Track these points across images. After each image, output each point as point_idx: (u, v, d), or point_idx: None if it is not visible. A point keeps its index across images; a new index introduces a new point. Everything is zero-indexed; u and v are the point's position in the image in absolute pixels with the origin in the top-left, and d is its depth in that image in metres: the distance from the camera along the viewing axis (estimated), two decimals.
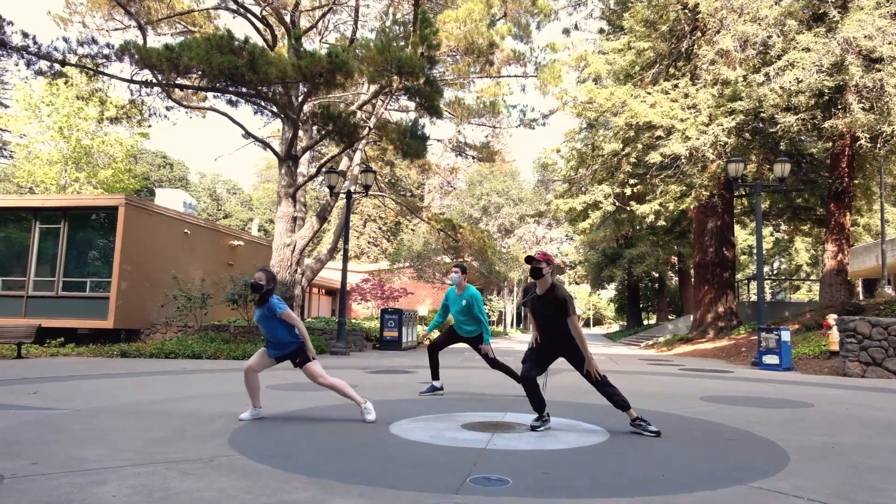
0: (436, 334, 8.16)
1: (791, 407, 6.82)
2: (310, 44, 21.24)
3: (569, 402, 6.79)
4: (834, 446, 4.58)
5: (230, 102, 15.00)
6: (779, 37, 14.99)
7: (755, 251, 43.40)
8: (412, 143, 14.94)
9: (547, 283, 4.88)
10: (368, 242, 51.72)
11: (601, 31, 27.55)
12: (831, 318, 12.98)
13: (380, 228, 52.70)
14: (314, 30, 21.10)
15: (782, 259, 47.87)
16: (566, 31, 26.26)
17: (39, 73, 12.49)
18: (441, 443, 4.48)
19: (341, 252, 23.99)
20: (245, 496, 3.04)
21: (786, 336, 12.53)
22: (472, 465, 3.75)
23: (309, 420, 5.48)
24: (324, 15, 19.91)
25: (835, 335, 12.36)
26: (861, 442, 4.79)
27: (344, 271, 16.21)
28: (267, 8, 17.30)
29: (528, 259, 4.89)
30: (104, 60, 12.43)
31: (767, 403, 7.09)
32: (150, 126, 21.19)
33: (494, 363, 7.35)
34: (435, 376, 7.55)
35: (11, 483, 3.19)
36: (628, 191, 20.77)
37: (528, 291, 5.12)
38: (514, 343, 29.33)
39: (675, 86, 18.38)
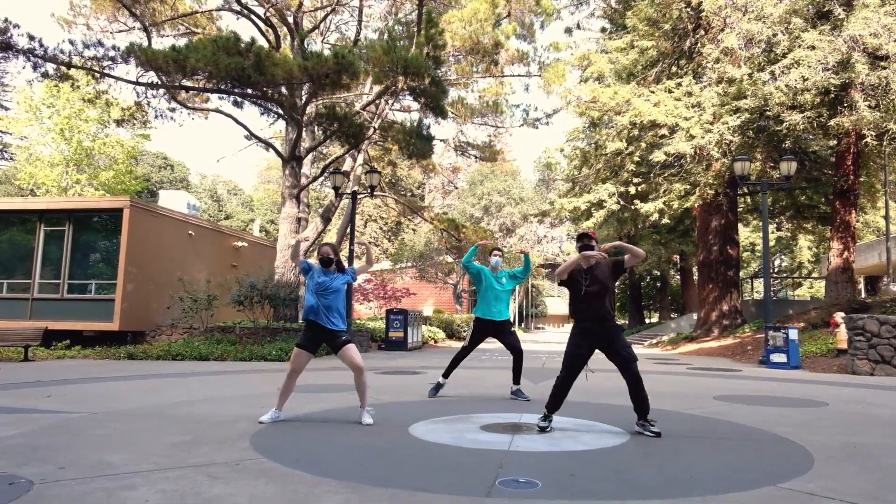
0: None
1: (806, 406, 6.82)
2: (312, 45, 21.24)
3: (586, 403, 6.78)
4: (856, 446, 4.57)
5: (235, 103, 14.99)
6: (784, 35, 14.98)
7: (758, 248, 43.31)
8: (418, 144, 14.93)
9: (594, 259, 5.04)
10: (370, 242, 51.69)
11: (603, 29, 27.54)
12: (839, 317, 12.98)
13: (381, 229, 52.69)
14: (316, 31, 21.08)
15: (783, 256, 47.89)
16: (568, 31, 26.27)
17: (45, 75, 12.47)
18: (464, 445, 4.47)
19: (344, 252, 23.93)
20: (278, 500, 3.03)
21: (793, 334, 12.53)
22: (499, 468, 3.75)
23: (326, 423, 5.47)
24: (326, 16, 19.89)
25: (842, 333, 12.35)
26: (882, 442, 4.79)
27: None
28: (270, 9, 17.27)
29: (581, 236, 5.10)
30: (110, 63, 12.42)
31: (782, 403, 7.08)
32: (155, 128, 21.16)
33: (518, 348, 7.10)
34: (448, 374, 7.43)
35: (42, 489, 3.18)
36: (632, 189, 20.75)
37: (576, 273, 5.07)
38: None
39: (679, 84, 18.38)
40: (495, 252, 7.44)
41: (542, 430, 4.95)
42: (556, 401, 5.06)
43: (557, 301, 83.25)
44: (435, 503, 3.04)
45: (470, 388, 8.30)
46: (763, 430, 5.19)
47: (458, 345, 23.58)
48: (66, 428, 4.98)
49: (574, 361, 5.01)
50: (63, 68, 12.58)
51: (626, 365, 4.84)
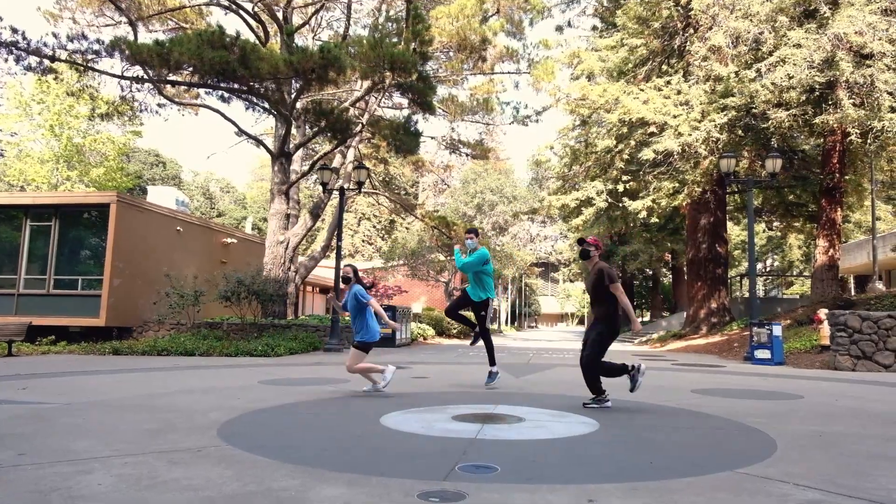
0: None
1: (781, 399, 6.86)
2: (302, 41, 21.19)
3: (562, 396, 6.80)
4: (822, 435, 4.60)
5: (222, 99, 14.94)
6: (770, 33, 15.04)
7: (748, 246, 43.55)
8: (405, 139, 14.92)
9: (591, 265, 5.79)
10: (363, 241, 51.65)
11: (594, 28, 27.59)
12: (822, 313, 13.07)
13: (374, 227, 52.65)
14: (307, 27, 21.04)
15: (775, 255, 48.11)
16: (559, 29, 26.30)
17: (29, 68, 12.39)
18: (431, 433, 4.48)
19: (335, 250, 23.93)
20: (233, 484, 3.03)
21: (777, 331, 12.59)
22: (462, 454, 3.76)
23: (300, 412, 5.47)
24: (316, 11, 19.86)
25: (826, 329, 12.44)
26: (850, 431, 4.82)
27: (337, 268, 16.16)
28: (259, 4, 17.23)
29: (580, 241, 5.80)
30: (94, 56, 12.35)
31: (758, 395, 7.12)
32: (141, 123, 21.06)
33: (485, 333, 7.49)
34: (472, 327, 7.71)
35: None
36: (621, 187, 20.79)
37: None
38: (509, 341, 29.39)
39: (668, 82, 18.43)
40: (468, 235, 7.59)
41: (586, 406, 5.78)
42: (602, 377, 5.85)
43: (551, 300, 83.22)
44: (390, 486, 3.04)
45: (452, 380, 8.31)
46: (733, 421, 5.22)
47: (448, 342, 23.57)
48: (37, 417, 4.97)
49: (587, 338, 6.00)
50: (47, 61, 12.51)
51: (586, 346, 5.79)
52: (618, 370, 5.75)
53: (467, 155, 27.80)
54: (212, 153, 50.97)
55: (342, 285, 6.55)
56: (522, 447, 4.08)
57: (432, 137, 25.37)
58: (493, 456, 3.74)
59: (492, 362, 7.58)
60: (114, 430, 4.44)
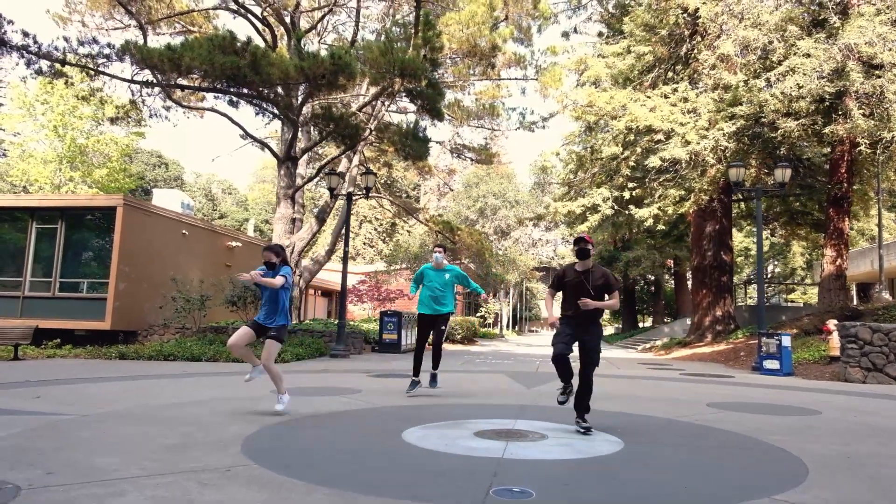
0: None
1: (799, 414, 6.82)
2: (309, 44, 21.17)
3: (567, 408, 6.76)
4: (849, 456, 4.57)
5: (231, 103, 14.93)
6: (780, 42, 15.04)
7: (751, 254, 43.37)
8: (414, 146, 14.91)
9: (590, 264, 5.36)
10: (364, 243, 51.61)
11: (600, 34, 27.59)
12: (831, 324, 13.03)
13: (375, 230, 52.61)
14: (314, 31, 21.03)
15: (776, 262, 48.12)
16: (565, 35, 26.29)
17: (39, 72, 12.37)
18: (457, 451, 4.44)
19: (338, 253, 23.88)
20: None
21: (786, 341, 12.56)
22: (493, 476, 3.72)
23: (319, 426, 5.43)
24: (324, 16, 19.86)
25: (835, 340, 12.41)
26: (876, 451, 4.79)
27: (344, 274, 16.14)
28: (268, 9, 17.22)
29: (578, 240, 5.35)
30: (105, 60, 12.33)
31: (774, 410, 7.09)
32: (149, 127, 21.01)
33: (439, 345, 7.63)
34: (417, 373, 7.67)
35: (29, 494, 3.13)
36: (627, 194, 20.78)
37: (565, 275, 5.41)
38: (512, 346, 29.32)
39: (675, 90, 18.43)
40: (437, 248, 7.77)
41: (562, 403, 5.40)
42: (564, 374, 5.36)
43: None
44: None
45: (465, 391, 8.27)
46: (756, 439, 5.18)
47: (451, 347, 23.53)
48: (55, 430, 4.92)
49: (562, 337, 5.48)
50: (57, 65, 12.49)
51: (584, 358, 5.40)
52: (567, 376, 5.36)
53: (472, 160, 27.80)
54: (216, 156, 51.29)
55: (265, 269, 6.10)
56: (551, 468, 4.04)
57: (438, 142, 25.37)
58: (524, 479, 3.70)
59: (419, 371, 7.69)
60: (136, 446, 4.39)
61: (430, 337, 7.70)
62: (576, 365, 5.22)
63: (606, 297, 5.32)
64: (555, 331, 5.35)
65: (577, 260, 5.41)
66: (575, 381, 5.39)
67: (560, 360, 5.21)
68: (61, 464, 3.80)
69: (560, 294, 5.45)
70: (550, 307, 5.62)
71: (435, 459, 4.21)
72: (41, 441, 4.50)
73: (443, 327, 7.54)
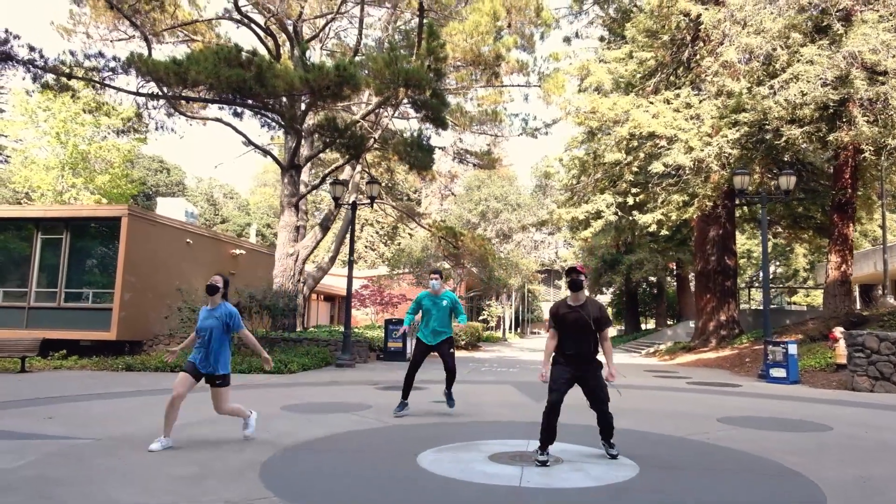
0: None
1: (810, 430, 6.82)
2: (310, 52, 21.19)
3: (588, 427, 6.76)
4: (865, 481, 4.57)
5: (235, 114, 14.96)
6: (783, 49, 15.04)
7: (754, 256, 43.27)
8: (418, 155, 14.93)
9: (583, 297, 5.16)
10: (365, 247, 51.62)
11: (602, 38, 27.60)
12: (838, 331, 13.02)
13: (377, 233, 52.61)
14: (315, 38, 21.04)
15: (779, 263, 48.09)
16: (567, 40, 26.34)
17: (46, 86, 12.40)
18: (473, 479, 4.45)
19: (341, 256, 23.86)
20: None
21: (793, 349, 12.56)
22: None
23: (333, 450, 5.44)
24: (326, 24, 19.89)
25: (842, 348, 12.39)
26: (888, 473, 4.79)
27: (349, 282, 16.16)
28: (271, 18, 17.25)
29: (571, 270, 5.18)
30: (110, 73, 12.37)
31: (784, 426, 7.09)
32: (156, 139, 21.02)
33: (452, 370, 7.49)
34: (406, 395, 7.53)
35: None
36: (630, 200, 20.78)
37: (559, 311, 5.17)
38: (516, 352, 29.29)
39: (677, 95, 18.43)
40: (433, 276, 7.67)
41: (543, 464, 4.87)
42: (547, 433, 4.98)
43: None
44: None
45: (473, 406, 8.27)
46: (770, 460, 5.19)
47: (458, 354, 23.53)
48: (69, 458, 4.93)
49: (558, 383, 5.24)
50: (63, 79, 12.51)
51: (593, 396, 5.23)
52: (551, 437, 4.97)
53: (474, 164, 27.79)
54: (219, 163, 51.25)
55: (209, 295, 6.07)
56: (570, 497, 4.05)
57: (440, 147, 25.36)
58: None
59: (408, 393, 7.57)
60: (153, 476, 4.40)
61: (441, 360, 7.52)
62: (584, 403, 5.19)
63: (604, 331, 5.13)
64: (549, 375, 5.12)
65: (569, 293, 5.20)
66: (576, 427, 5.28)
67: (552, 412, 4.92)
68: (81, 498, 3.81)
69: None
70: (550, 354, 5.25)
71: (453, 489, 4.22)
72: (57, 469, 4.51)
73: (451, 350, 7.44)
